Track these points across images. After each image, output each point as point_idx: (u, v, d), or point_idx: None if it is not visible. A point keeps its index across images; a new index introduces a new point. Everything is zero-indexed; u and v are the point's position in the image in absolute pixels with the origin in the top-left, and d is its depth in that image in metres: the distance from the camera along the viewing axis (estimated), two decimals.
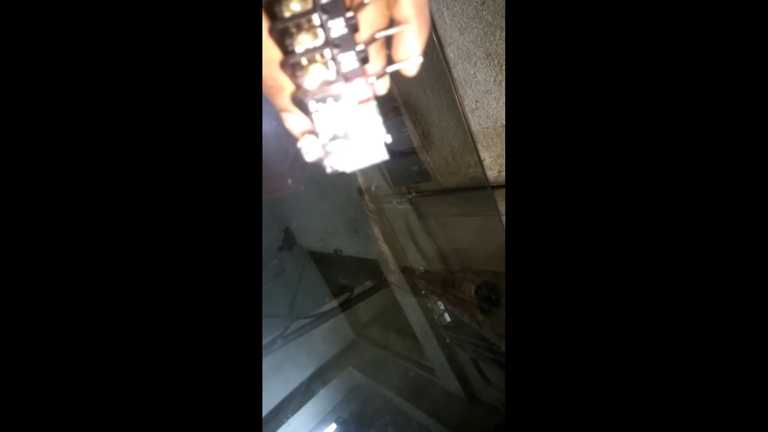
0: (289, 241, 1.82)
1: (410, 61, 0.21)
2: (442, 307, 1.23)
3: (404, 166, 1.04)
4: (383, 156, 0.20)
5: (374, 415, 1.56)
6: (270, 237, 1.80)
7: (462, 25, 0.64)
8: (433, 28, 0.67)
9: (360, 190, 1.15)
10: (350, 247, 1.47)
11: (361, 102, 0.19)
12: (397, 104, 0.89)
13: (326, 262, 1.78)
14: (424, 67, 0.75)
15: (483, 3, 0.59)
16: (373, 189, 1.10)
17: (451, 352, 1.27)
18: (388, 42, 0.20)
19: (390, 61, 0.21)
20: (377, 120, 0.19)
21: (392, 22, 0.20)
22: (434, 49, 0.69)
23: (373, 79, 0.19)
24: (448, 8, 0.65)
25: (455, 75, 0.70)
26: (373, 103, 0.19)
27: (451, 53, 0.68)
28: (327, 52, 0.18)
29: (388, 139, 0.19)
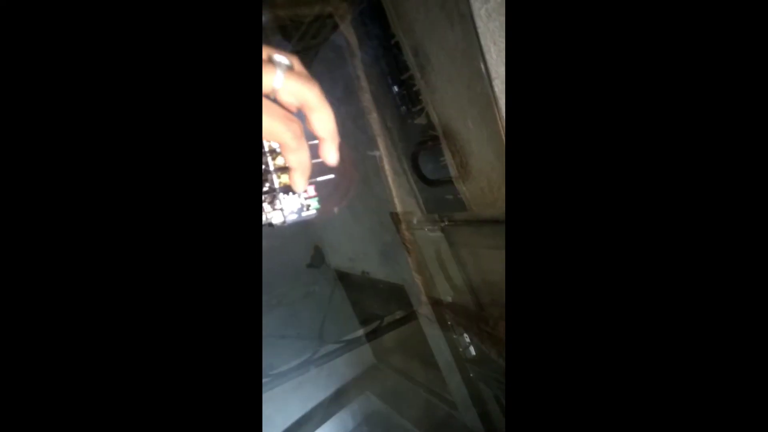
0: (318, 258, 1.84)
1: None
2: (468, 340, 1.20)
3: (439, 195, 1.04)
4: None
5: None
6: (300, 253, 1.82)
7: None
8: (482, 60, 0.68)
9: (395, 216, 1.15)
10: (378, 270, 1.46)
11: (308, 198, 0.35)
12: (437, 133, 0.90)
13: (354, 285, 1.78)
14: (468, 100, 0.76)
15: None
16: (414, 222, 1.10)
17: (474, 387, 1.23)
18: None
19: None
20: (316, 207, 0.36)
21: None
22: (480, 81, 0.70)
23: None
24: (495, 44, 0.66)
25: (500, 107, 0.70)
26: (316, 199, 0.36)
27: (497, 87, 0.69)
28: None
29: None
